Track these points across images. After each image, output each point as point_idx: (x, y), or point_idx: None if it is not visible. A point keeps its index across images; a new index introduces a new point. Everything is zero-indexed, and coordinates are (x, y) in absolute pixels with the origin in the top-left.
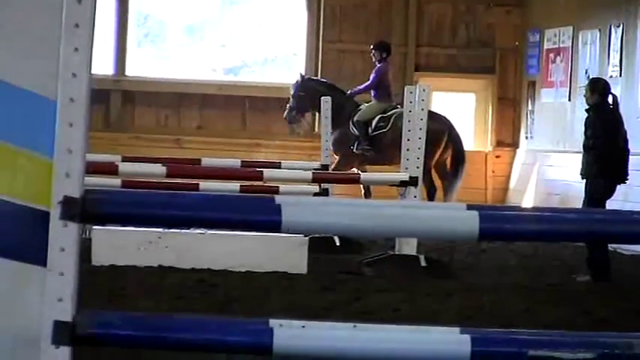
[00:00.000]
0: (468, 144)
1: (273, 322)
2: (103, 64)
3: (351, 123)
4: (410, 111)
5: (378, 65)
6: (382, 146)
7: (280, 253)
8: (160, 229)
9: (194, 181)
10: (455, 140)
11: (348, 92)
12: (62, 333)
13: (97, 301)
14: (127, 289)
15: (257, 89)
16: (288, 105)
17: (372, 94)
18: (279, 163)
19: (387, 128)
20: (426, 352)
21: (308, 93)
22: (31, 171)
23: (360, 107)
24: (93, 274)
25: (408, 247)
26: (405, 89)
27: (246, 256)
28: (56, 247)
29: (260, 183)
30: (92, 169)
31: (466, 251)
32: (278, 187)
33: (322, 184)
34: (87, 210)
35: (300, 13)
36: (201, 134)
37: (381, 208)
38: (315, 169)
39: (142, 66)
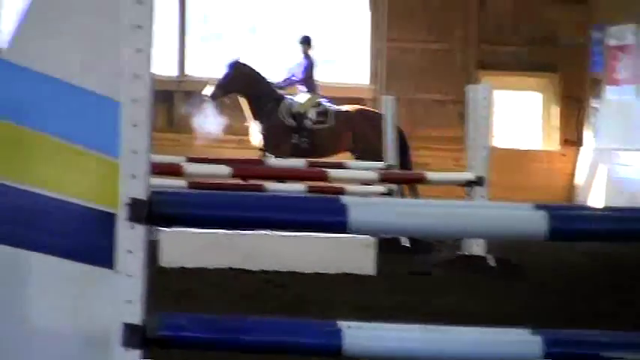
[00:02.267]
0: (535, 143)
1: (342, 324)
2: (166, 65)
3: (284, 114)
4: (473, 110)
5: (305, 59)
6: (321, 140)
7: (348, 254)
8: (227, 231)
9: (259, 182)
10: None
11: (276, 83)
12: (132, 335)
13: (167, 303)
14: (196, 290)
15: (322, 89)
16: (216, 82)
17: (301, 87)
18: (345, 163)
19: (328, 124)
20: (498, 354)
21: (237, 76)
22: (97, 172)
23: (289, 99)
24: (162, 276)
25: (477, 247)
26: (468, 88)
27: (314, 258)
28: (123, 249)
29: (326, 183)
30: (157, 170)
31: (535, 251)
32: (343, 187)
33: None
34: (154, 211)
35: (364, 12)
36: None
37: (448, 208)
38: (380, 169)
39: (204, 66)
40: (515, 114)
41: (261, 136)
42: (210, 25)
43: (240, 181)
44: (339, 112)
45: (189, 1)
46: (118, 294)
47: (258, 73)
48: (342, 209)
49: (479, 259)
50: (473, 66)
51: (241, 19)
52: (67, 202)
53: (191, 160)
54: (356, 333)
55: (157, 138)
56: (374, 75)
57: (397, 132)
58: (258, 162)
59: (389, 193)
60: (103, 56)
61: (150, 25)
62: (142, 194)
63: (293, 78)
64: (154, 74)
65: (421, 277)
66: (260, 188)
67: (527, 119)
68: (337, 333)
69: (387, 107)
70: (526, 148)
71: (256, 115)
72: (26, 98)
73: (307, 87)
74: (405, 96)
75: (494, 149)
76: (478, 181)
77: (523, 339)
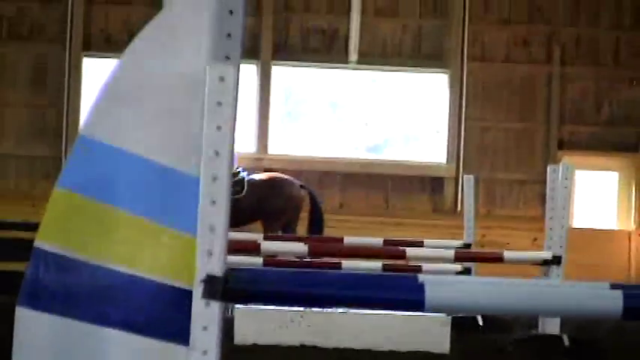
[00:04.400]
0: (611, 223)
1: None
2: (246, 142)
3: None
4: (553, 189)
5: None
6: (236, 210)
7: (423, 332)
8: (302, 308)
9: (336, 260)
10: (315, 201)
11: None
12: None
13: None
14: None
15: (400, 167)
16: None
17: None
18: (422, 241)
19: (243, 194)
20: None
21: None
22: (173, 248)
23: None
24: (235, 353)
25: (552, 325)
26: (549, 168)
27: (389, 335)
28: (199, 326)
29: (403, 261)
30: (234, 247)
31: (610, 330)
32: (421, 265)
33: (464, 263)
34: (229, 288)
35: (443, 91)
36: (344, 212)
37: (523, 286)
38: (457, 248)
39: (284, 143)
40: (591, 193)
41: None
42: (293, 102)
43: (317, 259)
44: (253, 183)
45: (272, 79)
46: None
47: None
48: (418, 287)
49: (553, 339)
50: (553, 145)
51: (322, 96)
52: (143, 279)
53: (268, 237)
54: None
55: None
56: (452, 154)
57: (308, 195)
58: (335, 239)
59: (466, 272)
60: (183, 133)
61: (231, 102)
62: (218, 271)
63: None
64: (234, 152)
65: (496, 355)
66: (336, 266)
67: (603, 198)
68: None
69: (466, 186)
70: (601, 228)
71: None
72: (105, 174)
73: None
74: (484, 175)
75: (570, 228)
76: (555, 260)
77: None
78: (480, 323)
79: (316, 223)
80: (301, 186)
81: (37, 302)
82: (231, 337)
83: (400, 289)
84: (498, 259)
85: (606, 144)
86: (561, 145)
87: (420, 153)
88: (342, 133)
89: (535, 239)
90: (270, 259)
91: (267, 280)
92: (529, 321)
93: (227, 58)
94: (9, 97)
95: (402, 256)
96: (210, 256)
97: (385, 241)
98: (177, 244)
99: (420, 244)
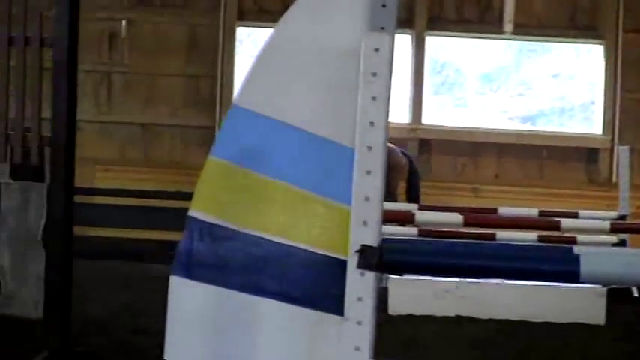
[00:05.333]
0: None
1: None
2: (399, 113)
3: None
4: None
5: None
6: None
7: (579, 303)
8: (456, 279)
9: (491, 231)
10: (414, 170)
11: None
12: None
13: (394, 351)
14: (423, 338)
15: (555, 139)
16: None
17: None
18: (577, 212)
19: None
20: None
21: None
22: (328, 219)
23: None
24: (389, 324)
25: None
26: None
27: (544, 307)
28: (353, 296)
29: (557, 233)
30: (389, 217)
31: None
32: (575, 237)
33: (619, 235)
34: (384, 259)
35: (598, 62)
36: (498, 183)
37: None
38: (612, 219)
39: (438, 114)
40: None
41: None
42: (447, 73)
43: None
44: None
45: (426, 49)
46: (347, 341)
47: None
48: (573, 259)
49: None
50: None
51: (476, 67)
52: (297, 249)
53: (423, 207)
54: None
55: (402, 186)
56: (607, 125)
57: (408, 162)
58: (490, 211)
59: (620, 243)
60: (337, 104)
61: (386, 72)
62: (372, 241)
63: None
64: (389, 122)
65: None
66: (491, 237)
67: None
68: None
69: (622, 157)
70: None
71: None
72: (259, 144)
73: None
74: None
75: None
76: None
77: None
78: (635, 294)
79: (414, 191)
80: (403, 153)
81: (191, 271)
82: (386, 308)
83: (555, 261)
84: None
85: None
86: None
87: (575, 124)
88: (496, 104)
89: None
90: (425, 230)
91: (422, 251)
92: None
93: (382, 28)
94: (163, 66)
95: (557, 227)
96: (365, 226)
97: (540, 212)
98: (332, 215)
99: (574, 216)
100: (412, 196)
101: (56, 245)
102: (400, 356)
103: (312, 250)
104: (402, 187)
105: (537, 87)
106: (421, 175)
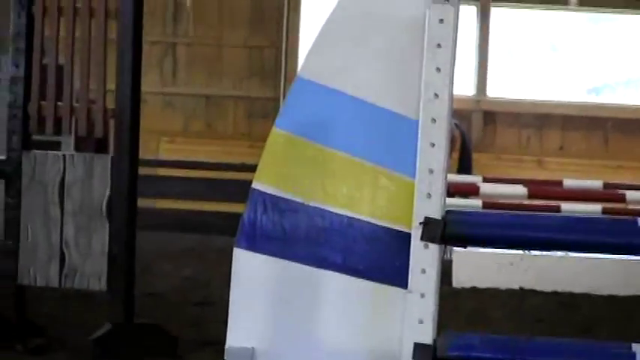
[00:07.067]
0: None
1: (635, 347)
2: (464, 85)
3: None
4: None
5: None
6: None
7: None
8: (521, 251)
9: (555, 203)
10: (465, 140)
11: None
12: (422, 355)
13: (457, 324)
14: (486, 311)
15: (620, 110)
16: None
17: None
18: None
19: None
20: None
21: None
22: (391, 191)
23: None
24: (453, 296)
25: None
26: None
27: (608, 279)
28: (417, 269)
29: (622, 205)
30: (453, 189)
31: None
32: None
33: None
34: (448, 231)
35: None
36: (563, 155)
37: None
38: None
39: (503, 86)
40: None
41: None
42: (511, 44)
43: (536, 202)
44: None
45: (491, 21)
46: (410, 313)
47: None
48: (639, 231)
49: None
50: None
51: (541, 39)
52: (361, 221)
53: (487, 179)
54: None
55: (454, 158)
56: None
57: (460, 134)
58: (555, 183)
59: None
60: (401, 75)
61: (451, 44)
62: (436, 214)
63: None
64: (453, 94)
65: None
66: (556, 209)
67: None
68: (631, 357)
69: None
70: None
71: None
72: (324, 116)
73: None
74: None
75: None
76: None
77: None
78: None
79: (466, 163)
80: (455, 124)
81: (254, 244)
82: (450, 281)
83: (620, 233)
84: None
85: None
86: None
87: None
88: (561, 76)
89: None
90: (489, 202)
91: (487, 223)
92: None
93: (446, 0)
94: (227, 37)
95: (622, 199)
96: (429, 198)
97: (605, 184)
98: (396, 187)
99: (639, 188)
100: (464, 168)
101: (120, 217)
102: (463, 329)
103: (375, 222)
104: (453, 159)
105: (602, 58)
106: (473, 147)
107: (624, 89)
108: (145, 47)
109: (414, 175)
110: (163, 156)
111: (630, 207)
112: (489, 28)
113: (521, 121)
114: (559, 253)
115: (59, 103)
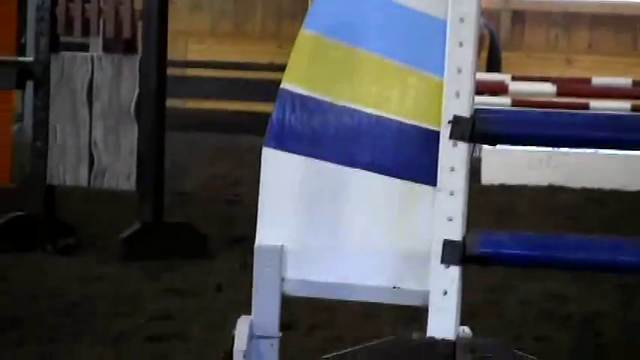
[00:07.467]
0: None
1: None
2: None
3: None
4: None
5: None
6: None
7: None
8: (549, 149)
9: (584, 100)
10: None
11: None
12: (452, 252)
13: (486, 221)
14: (516, 208)
15: None
16: None
17: None
18: None
19: None
20: None
21: None
22: (420, 90)
23: None
24: (482, 194)
25: None
26: None
27: (637, 176)
28: (446, 167)
29: None
30: (482, 88)
31: None
32: None
33: None
34: (477, 129)
35: None
36: (591, 53)
37: None
38: None
39: None
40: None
41: None
42: None
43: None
44: None
45: None
46: (439, 211)
47: None
48: None
49: None
50: None
51: None
52: (389, 120)
53: (516, 78)
54: None
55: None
56: None
57: (489, 33)
58: (584, 80)
59: None
60: None
61: None
62: (465, 112)
63: None
64: None
65: None
66: (584, 106)
67: None
68: None
69: None
70: None
71: None
72: (352, 16)
73: None
74: None
75: None
76: None
77: None
78: None
79: (494, 60)
80: (484, 24)
81: (283, 143)
82: (479, 178)
83: None
84: None
85: None
86: None
87: None
88: None
89: None
90: (518, 100)
91: (516, 121)
92: None
93: None
94: None
95: None
96: (458, 97)
97: (634, 82)
98: (425, 86)
99: None
100: (493, 66)
101: (148, 118)
102: (493, 226)
103: (404, 121)
104: (482, 58)
105: None
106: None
107: None
108: None
109: (442, 75)
110: (192, 57)
111: None
112: None
113: (550, 19)
114: (588, 151)
115: (87, 5)
